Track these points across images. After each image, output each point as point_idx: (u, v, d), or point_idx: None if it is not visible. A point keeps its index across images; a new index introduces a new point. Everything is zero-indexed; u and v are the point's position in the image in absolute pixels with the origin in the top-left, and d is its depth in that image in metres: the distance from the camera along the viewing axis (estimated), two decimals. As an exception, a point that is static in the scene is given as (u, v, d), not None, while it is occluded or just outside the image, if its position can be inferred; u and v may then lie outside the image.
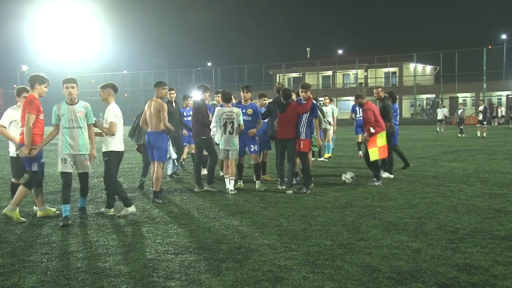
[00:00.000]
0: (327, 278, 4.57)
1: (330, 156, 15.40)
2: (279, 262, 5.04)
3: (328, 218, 7.00)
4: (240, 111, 9.54)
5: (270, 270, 4.79)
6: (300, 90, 9.49)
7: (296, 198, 8.65)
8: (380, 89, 11.49)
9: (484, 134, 25.78)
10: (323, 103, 15.77)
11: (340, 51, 78.79)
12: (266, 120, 10.34)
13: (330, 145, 15.65)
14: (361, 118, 13.16)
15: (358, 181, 10.56)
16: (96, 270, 4.86)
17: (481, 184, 9.93)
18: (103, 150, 7.43)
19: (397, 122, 12.20)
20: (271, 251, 5.43)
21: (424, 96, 63.08)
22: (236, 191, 9.31)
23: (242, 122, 9.52)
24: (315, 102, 9.63)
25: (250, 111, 9.88)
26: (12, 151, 7.57)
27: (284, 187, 9.51)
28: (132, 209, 7.36)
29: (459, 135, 26.47)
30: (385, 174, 10.95)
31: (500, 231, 6.20)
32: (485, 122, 26.20)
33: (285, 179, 9.73)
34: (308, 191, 9.13)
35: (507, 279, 4.49)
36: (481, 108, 26.85)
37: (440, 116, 33.55)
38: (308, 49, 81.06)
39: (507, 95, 55.59)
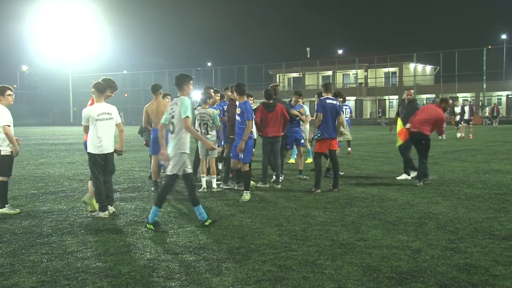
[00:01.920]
0: (327, 278, 4.57)
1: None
2: (279, 262, 5.04)
3: (328, 218, 7.00)
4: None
5: (270, 270, 4.79)
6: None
7: (296, 198, 8.65)
8: (412, 91, 11.76)
9: (462, 134, 25.07)
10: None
11: (340, 51, 78.89)
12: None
13: (309, 150, 14.29)
14: (348, 118, 12.90)
15: (358, 181, 10.57)
16: (96, 270, 4.86)
17: (481, 184, 9.93)
18: None
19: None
20: (271, 251, 5.43)
21: (424, 96, 63.12)
22: (220, 189, 9.60)
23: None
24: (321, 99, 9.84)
25: (238, 110, 8.87)
26: (6, 149, 7.52)
27: (267, 185, 9.89)
28: (104, 214, 7.30)
29: (440, 137, 25.45)
30: (403, 176, 10.90)
31: (500, 231, 6.20)
32: (462, 122, 25.42)
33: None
34: (319, 191, 9.27)
35: (507, 279, 4.49)
36: (458, 109, 25.63)
37: None
38: (308, 49, 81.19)
39: (507, 95, 55.59)
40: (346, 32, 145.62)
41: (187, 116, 6.35)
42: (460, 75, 56.30)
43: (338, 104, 9.67)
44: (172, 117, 6.55)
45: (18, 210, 7.75)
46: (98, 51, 72.43)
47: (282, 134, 10.16)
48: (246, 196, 8.53)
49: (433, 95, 60.83)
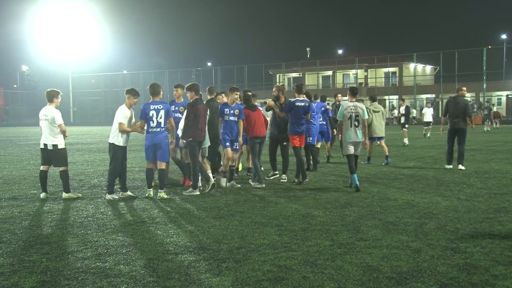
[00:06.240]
0: (327, 278, 4.57)
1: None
2: (279, 262, 5.04)
3: (328, 218, 7.00)
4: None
5: (270, 270, 4.79)
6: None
7: (296, 198, 8.66)
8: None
9: (405, 140, 20.89)
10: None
11: (340, 51, 78.86)
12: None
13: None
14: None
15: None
16: (96, 270, 4.86)
17: (481, 184, 9.94)
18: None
19: (314, 122, 11.99)
20: (271, 251, 5.43)
21: (424, 96, 63.12)
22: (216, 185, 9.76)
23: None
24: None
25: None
26: (62, 143, 8.85)
27: (263, 185, 10.02)
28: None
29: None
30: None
31: (500, 231, 6.20)
32: (406, 126, 21.67)
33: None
34: (307, 179, 10.25)
35: (507, 279, 4.49)
36: (402, 109, 22.37)
37: (428, 117, 26.11)
38: (308, 49, 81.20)
39: (507, 95, 55.60)
40: (346, 32, 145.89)
41: (366, 118, 9.67)
42: (460, 75, 56.28)
43: (308, 104, 10.53)
44: (357, 115, 9.57)
45: (80, 194, 9.05)
46: (98, 51, 72.50)
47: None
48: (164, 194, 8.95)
49: (433, 95, 60.81)
